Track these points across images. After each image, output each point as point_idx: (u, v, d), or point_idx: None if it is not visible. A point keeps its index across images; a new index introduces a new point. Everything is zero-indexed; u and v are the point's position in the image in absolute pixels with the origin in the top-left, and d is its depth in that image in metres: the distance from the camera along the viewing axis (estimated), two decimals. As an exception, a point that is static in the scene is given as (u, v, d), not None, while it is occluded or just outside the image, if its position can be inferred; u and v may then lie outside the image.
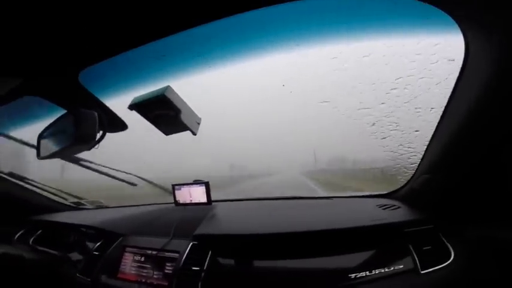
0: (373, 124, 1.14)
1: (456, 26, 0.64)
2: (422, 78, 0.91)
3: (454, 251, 0.95)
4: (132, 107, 0.88)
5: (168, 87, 0.85)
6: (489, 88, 0.69)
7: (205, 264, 1.12)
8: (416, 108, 1.04)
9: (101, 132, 0.98)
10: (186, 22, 0.69)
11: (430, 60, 0.84)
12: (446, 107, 0.84)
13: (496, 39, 0.62)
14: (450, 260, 0.93)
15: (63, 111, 0.96)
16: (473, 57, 0.69)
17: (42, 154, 1.02)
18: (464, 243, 0.96)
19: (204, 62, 1.02)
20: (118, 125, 1.06)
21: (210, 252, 1.16)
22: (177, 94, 0.87)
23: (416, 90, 0.95)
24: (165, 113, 0.87)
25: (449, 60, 0.78)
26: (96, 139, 0.97)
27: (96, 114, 0.84)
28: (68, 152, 0.94)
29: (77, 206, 2.07)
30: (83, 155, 1.42)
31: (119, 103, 1.02)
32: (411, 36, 0.76)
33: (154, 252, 1.28)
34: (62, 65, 0.81)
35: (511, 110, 0.71)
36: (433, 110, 0.94)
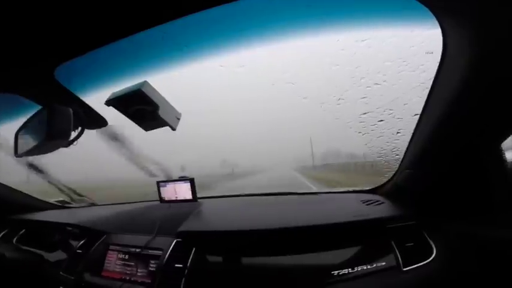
0: (353, 120, 1.14)
1: (433, 18, 0.64)
2: (401, 72, 0.90)
3: (436, 247, 0.95)
4: (109, 102, 0.87)
5: (144, 82, 0.83)
6: (467, 82, 0.69)
7: (189, 262, 1.11)
8: (400, 103, 1.04)
9: (79, 128, 0.96)
10: (166, 15, 0.67)
11: (409, 53, 0.83)
12: (426, 101, 0.84)
13: (472, 31, 0.61)
14: (432, 257, 0.93)
15: (39, 107, 0.94)
16: (451, 51, 0.69)
17: (19, 152, 0.99)
18: (446, 240, 0.96)
19: (188, 56, 0.99)
20: (97, 121, 1.04)
21: (193, 249, 1.15)
22: (154, 89, 0.85)
23: (396, 84, 0.95)
24: (142, 108, 0.85)
25: (428, 53, 0.77)
26: (74, 136, 0.96)
27: (70, 110, 0.82)
28: (44, 149, 0.92)
29: (62, 205, 2.04)
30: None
31: (99, 99, 1.00)
32: (388, 29, 0.75)
33: (137, 250, 1.26)
34: (35, 61, 0.79)
35: (489, 104, 0.71)
36: (415, 105, 0.94)
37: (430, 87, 0.80)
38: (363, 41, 0.84)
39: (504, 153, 0.88)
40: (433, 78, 0.78)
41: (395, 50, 0.85)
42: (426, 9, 0.62)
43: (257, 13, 0.80)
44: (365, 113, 1.09)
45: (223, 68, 1.02)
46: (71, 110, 0.83)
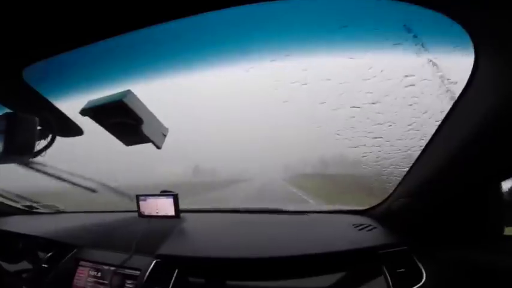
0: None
1: (467, 41, 0.58)
2: (415, 97, 0.88)
3: (425, 272, 0.94)
4: (84, 112, 0.76)
5: (128, 92, 0.73)
6: (491, 116, 0.65)
7: (171, 285, 1.02)
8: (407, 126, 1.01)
9: (49, 137, 0.85)
10: (154, 16, 0.59)
11: (428, 76, 0.80)
12: (437, 131, 0.81)
13: (509, 57, 0.56)
14: (422, 282, 0.92)
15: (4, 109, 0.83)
16: (480, 78, 0.64)
17: None
18: (435, 265, 0.96)
19: (175, 63, 0.91)
20: (71, 129, 0.93)
21: (176, 270, 1.06)
22: (139, 100, 0.75)
23: (408, 109, 0.93)
24: (123, 122, 0.76)
25: (452, 82, 0.74)
26: (44, 145, 0.84)
27: (36, 120, 0.71)
28: (4, 161, 0.79)
29: (30, 210, 1.87)
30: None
31: (75, 105, 0.90)
32: (415, 49, 0.71)
33: (112, 268, 1.16)
34: (1, 61, 0.68)
35: (506, 145, 0.68)
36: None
37: (442, 119, 0.77)
38: (375, 61, 0.80)
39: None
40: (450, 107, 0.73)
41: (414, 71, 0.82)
42: (458, 27, 0.55)
43: (258, 24, 0.74)
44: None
45: (215, 80, 0.95)
46: (36, 119, 0.72)
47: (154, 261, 1.11)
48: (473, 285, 0.87)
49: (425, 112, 0.89)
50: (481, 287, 0.85)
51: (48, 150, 0.84)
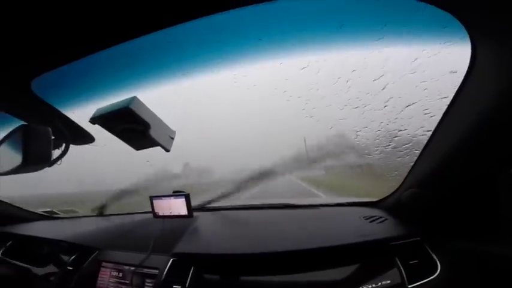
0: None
1: (463, 34, 0.59)
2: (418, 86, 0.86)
3: (440, 263, 0.94)
4: (94, 120, 0.78)
5: (134, 99, 0.75)
6: (493, 104, 0.65)
7: (188, 282, 1.05)
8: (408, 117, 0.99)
9: (63, 146, 0.88)
10: (156, 23, 0.60)
11: (431, 66, 0.78)
12: (442, 119, 0.80)
13: (507, 51, 0.56)
14: (437, 273, 0.91)
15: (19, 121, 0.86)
16: (479, 69, 0.64)
17: None
18: (449, 256, 0.95)
19: (179, 69, 0.92)
20: (83, 137, 0.96)
21: (192, 268, 1.09)
22: (144, 106, 0.77)
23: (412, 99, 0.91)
24: (131, 128, 0.77)
25: (452, 72, 0.72)
26: (58, 154, 0.87)
27: (49, 130, 0.73)
28: (23, 171, 0.83)
29: (50, 215, 1.95)
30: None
31: (84, 113, 0.92)
32: (411, 42, 0.70)
33: (132, 268, 1.20)
34: (9, 73, 0.70)
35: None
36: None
37: (448, 104, 0.75)
38: (377, 54, 0.78)
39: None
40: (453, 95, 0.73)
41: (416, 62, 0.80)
42: (457, 23, 0.56)
43: (255, 24, 0.73)
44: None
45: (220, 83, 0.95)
46: (50, 130, 0.74)
47: (171, 260, 1.14)
48: (487, 277, 0.85)
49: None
50: (495, 279, 0.84)
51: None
